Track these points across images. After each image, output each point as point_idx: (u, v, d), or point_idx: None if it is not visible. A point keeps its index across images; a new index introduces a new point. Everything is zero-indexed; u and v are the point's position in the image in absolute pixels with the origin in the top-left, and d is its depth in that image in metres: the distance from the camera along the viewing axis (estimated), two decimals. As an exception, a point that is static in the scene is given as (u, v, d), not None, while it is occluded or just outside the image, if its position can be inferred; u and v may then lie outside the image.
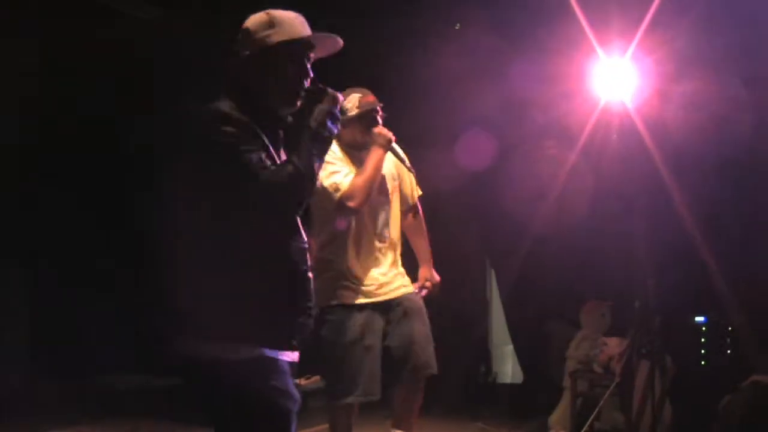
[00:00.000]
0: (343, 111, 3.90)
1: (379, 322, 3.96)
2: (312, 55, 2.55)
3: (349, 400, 3.88)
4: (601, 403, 5.64)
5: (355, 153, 4.00)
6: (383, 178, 4.07)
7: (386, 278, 4.04)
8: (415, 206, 4.33)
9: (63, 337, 6.99)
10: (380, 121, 3.99)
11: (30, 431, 5.72)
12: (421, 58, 6.41)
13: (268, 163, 2.32)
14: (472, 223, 7.32)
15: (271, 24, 2.46)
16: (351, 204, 3.79)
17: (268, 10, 2.51)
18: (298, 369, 2.55)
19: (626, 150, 5.89)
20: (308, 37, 2.49)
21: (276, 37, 2.44)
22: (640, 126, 5.77)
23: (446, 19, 6.62)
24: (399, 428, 4.12)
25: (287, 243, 2.41)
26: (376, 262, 4.02)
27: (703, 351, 5.98)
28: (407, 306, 4.06)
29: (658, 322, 5.57)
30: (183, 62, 6.13)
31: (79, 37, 6.02)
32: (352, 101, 3.96)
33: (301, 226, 2.47)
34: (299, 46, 2.48)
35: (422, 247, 4.35)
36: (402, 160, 4.05)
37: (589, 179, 6.34)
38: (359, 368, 3.86)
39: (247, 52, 2.46)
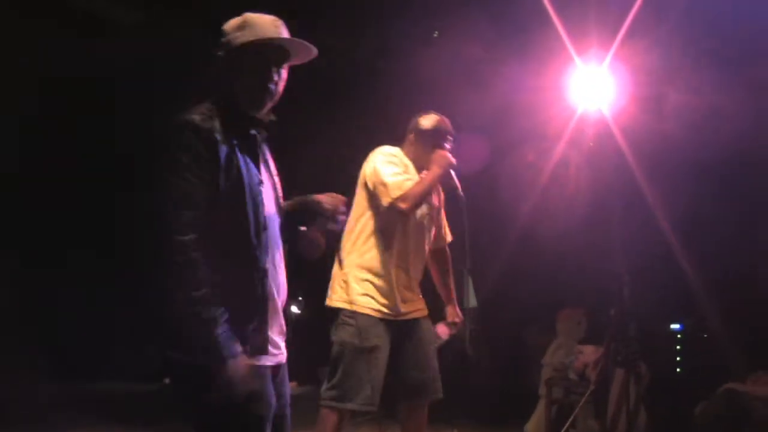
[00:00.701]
0: (417, 127, 4.05)
1: (393, 338, 3.98)
2: (285, 63, 2.55)
3: (349, 406, 3.88)
4: (577, 410, 5.65)
5: (416, 165, 4.07)
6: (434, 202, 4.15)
7: (411, 299, 4.08)
8: (444, 248, 4.39)
9: (63, 340, 6.96)
10: (447, 146, 4.05)
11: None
12: (400, 66, 6.43)
13: (200, 197, 2.30)
14: (451, 230, 7.31)
15: (242, 26, 2.47)
16: (403, 205, 3.85)
17: (247, 13, 2.52)
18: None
19: (603, 157, 5.93)
20: (275, 39, 2.48)
21: (243, 38, 2.45)
22: (617, 133, 5.81)
23: (426, 27, 6.64)
24: None
25: (238, 249, 2.40)
26: (407, 276, 4.05)
27: (678, 358, 6.02)
28: (424, 331, 4.11)
29: (634, 330, 5.59)
30: (176, 64, 6.12)
31: (73, 41, 6.01)
32: (429, 120, 4.07)
33: (257, 232, 2.43)
34: (265, 47, 2.47)
35: (448, 286, 4.39)
36: (455, 188, 4.09)
37: (566, 186, 6.37)
38: (368, 377, 3.87)
39: (220, 53, 2.49)
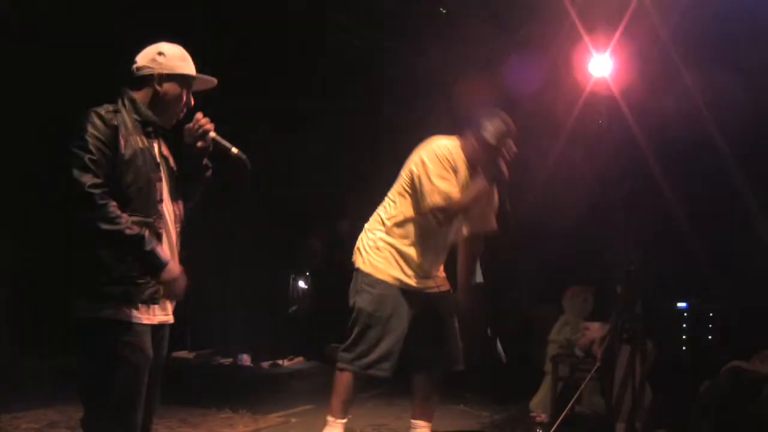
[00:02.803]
0: (481, 135, 4.07)
1: (414, 308, 4.12)
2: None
3: (355, 369, 4.07)
4: (582, 387, 5.67)
5: (469, 164, 4.14)
6: None
7: (435, 275, 4.24)
8: (479, 235, 4.46)
9: (46, 316, 6.98)
10: (504, 161, 4.11)
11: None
12: (411, 48, 6.43)
13: (92, 169, 2.64)
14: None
15: (183, 57, 2.94)
16: (439, 215, 4.00)
17: (180, 47, 2.96)
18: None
19: (612, 136, 5.93)
20: (202, 77, 2.98)
21: (185, 69, 2.93)
22: (626, 111, 5.81)
23: (437, 11, 6.63)
24: (421, 419, 4.32)
25: (139, 209, 2.72)
26: (435, 261, 4.21)
27: (684, 336, 6.04)
28: (445, 305, 4.26)
29: (640, 308, 5.61)
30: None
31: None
32: (494, 131, 4.08)
33: (154, 200, 2.77)
34: (192, 80, 2.96)
35: (467, 272, 4.49)
36: (503, 202, 4.22)
37: (574, 166, 6.38)
38: (378, 344, 4.06)
39: (163, 72, 2.89)
